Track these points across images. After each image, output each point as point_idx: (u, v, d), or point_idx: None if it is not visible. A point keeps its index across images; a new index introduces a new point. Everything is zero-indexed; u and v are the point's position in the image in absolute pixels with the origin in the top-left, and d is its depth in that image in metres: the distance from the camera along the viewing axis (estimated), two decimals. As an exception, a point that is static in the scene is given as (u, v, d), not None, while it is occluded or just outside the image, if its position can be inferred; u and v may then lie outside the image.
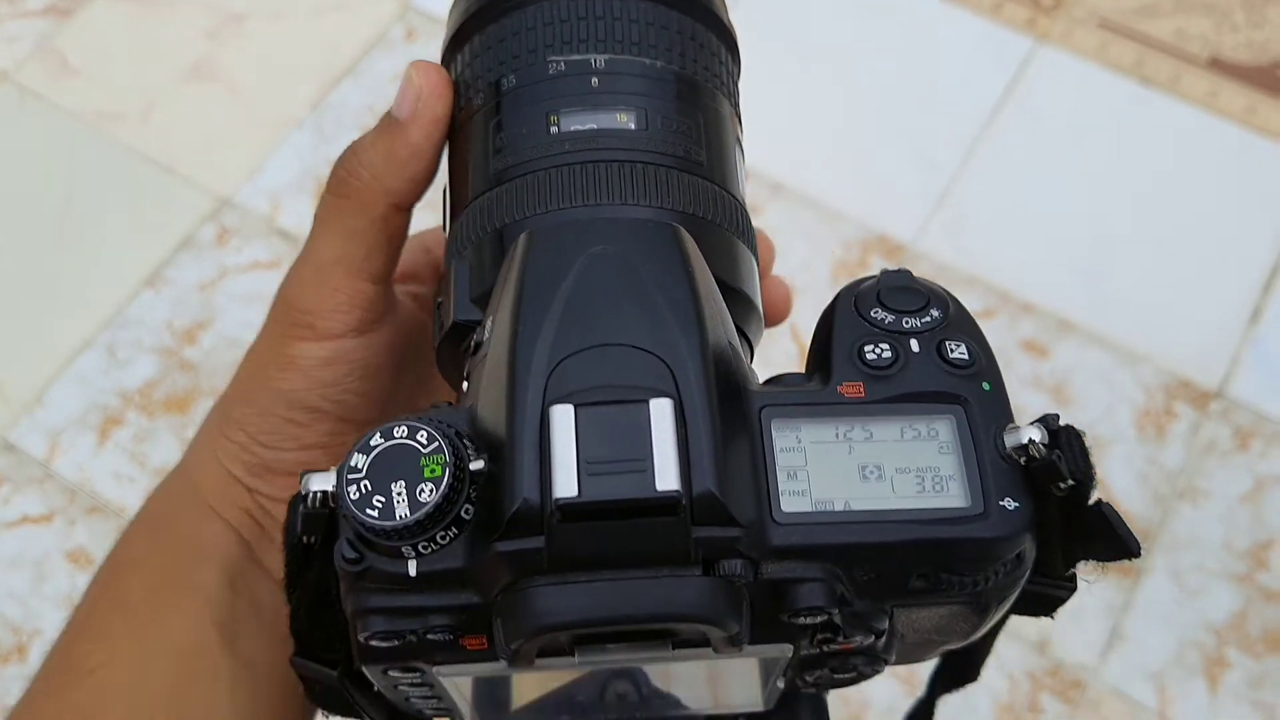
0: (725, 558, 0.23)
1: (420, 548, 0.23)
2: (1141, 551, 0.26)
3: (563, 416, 0.23)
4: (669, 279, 0.25)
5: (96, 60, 1.59)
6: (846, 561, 0.24)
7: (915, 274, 0.28)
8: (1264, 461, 1.34)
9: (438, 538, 0.23)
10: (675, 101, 0.30)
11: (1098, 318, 1.42)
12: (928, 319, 0.27)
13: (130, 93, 1.56)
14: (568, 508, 0.22)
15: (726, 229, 0.30)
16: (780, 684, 0.29)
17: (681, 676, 0.30)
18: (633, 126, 0.29)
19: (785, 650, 0.26)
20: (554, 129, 0.29)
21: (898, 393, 0.26)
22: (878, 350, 0.26)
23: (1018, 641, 1.25)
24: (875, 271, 0.28)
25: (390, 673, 0.26)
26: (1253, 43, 1.61)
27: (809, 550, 0.24)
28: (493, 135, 0.30)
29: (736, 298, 0.30)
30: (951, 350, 0.26)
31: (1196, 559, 1.29)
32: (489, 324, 0.27)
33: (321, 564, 0.25)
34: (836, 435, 0.25)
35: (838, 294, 0.28)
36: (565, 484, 0.22)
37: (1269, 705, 1.22)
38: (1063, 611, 1.20)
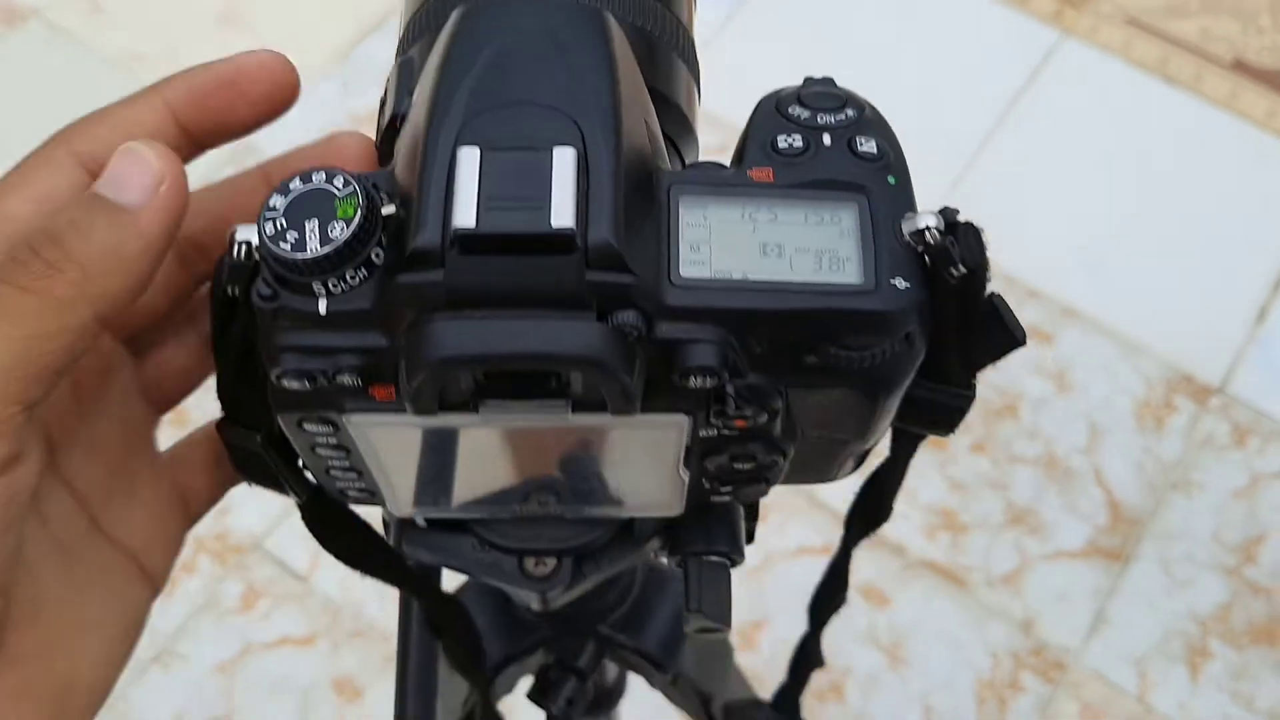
0: (620, 309, 0.24)
1: (330, 285, 0.25)
2: (1026, 339, 0.27)
3: (468, 157, 0.24)
4: (589, 52, 0.26)
5: (126, 1, 1.62)
6: (740, 328, 0.25)
7: None
8: (1260, 458, 1.34)
9: (347, 276, 0.24)
10: None
11: (1103, 308, 1.42)
12: (842, 117, 0.28)
13: (158, 35, 1.59)
14: (465, 238, 0.23)
15: (666, 44, 0.31)
16: (685, 476, 0.30)
17: (598, 480, 0.31)
18: None
19: (682, 422, 0.27)
20: None
21: (805, 179, 0.26)
22: (790, 140, 0.27)
23: (1003, 621, 1.25)
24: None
25: (305, 426, 0.27)
26: (1277, 46, 1.61)
27: (703, 312, 0.25)
28: None
29: (669, 108, 0.31)
30: (861, 144, 0.27)
31: (1186, 550, 1.29)
32: (415, 95, 0.28)
33: (245, 318, 0.27)
34: (742, 215, 0.26)
35: (761, 99, 0.29)
36: (464, 216, 0.23)
37: (1248, 696, 1.22)
38: (1048, 593, 1.20)
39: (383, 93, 0.32)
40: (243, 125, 0.32)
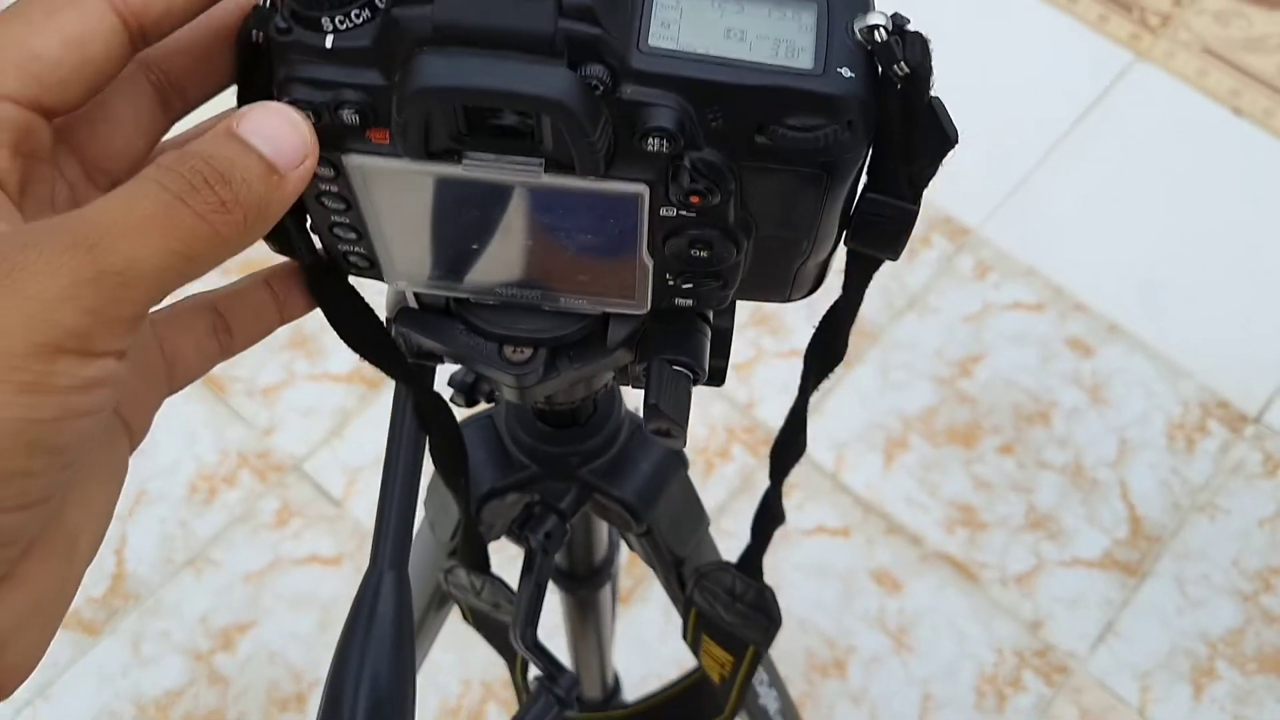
0: (589, 62, 0.28)
1: (337, 21, 0.28)
2: (959, 138, 0.30)
3: None
4: None
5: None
6: (698, 98, 0.28)
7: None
8: (1290, 490, 1.34)
9: (352, 15, 0.28)
10: None
11: (1148, 328, 1.43)
12: None
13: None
14: None
15: None
16: (649, 263, 0.33)
17: (572, 265, 0.34)
18: None
19: (642, 191, 0.30)
20: None
21: None
22: None
23: (1011, 619, 1.27)
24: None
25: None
26: (1355, 92, 1.61)
27: (665, 79, 0.28)
28: None
29: None
30: None
31: (1203, 571, 1.30)
32: None
33: (266, 64, 0.30)
34: (712, 4, 0.29)
35: None
36: None
37: (1250, 721, 1.22)
38: (1060, 598, 1.22)
39: None
40: None
